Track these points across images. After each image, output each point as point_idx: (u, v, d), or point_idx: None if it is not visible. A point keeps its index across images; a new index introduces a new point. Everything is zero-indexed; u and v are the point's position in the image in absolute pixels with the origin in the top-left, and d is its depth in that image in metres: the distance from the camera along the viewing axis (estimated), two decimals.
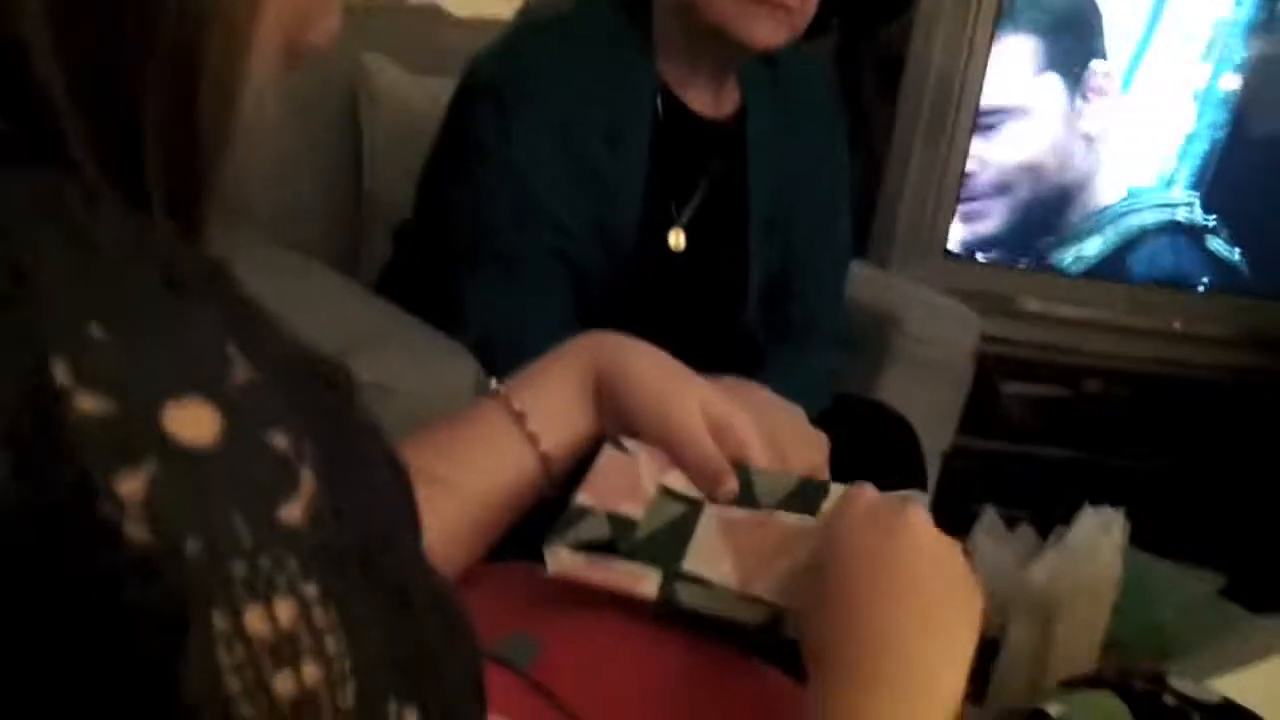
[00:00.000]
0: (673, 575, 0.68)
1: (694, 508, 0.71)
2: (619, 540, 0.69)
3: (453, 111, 1.38)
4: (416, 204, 1.45)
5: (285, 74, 0.38)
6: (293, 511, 0.30)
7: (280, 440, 0.31)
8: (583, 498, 0.70)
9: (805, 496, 0.71)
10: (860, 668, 0.57)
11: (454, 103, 1.37)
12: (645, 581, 0.67)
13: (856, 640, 0.58)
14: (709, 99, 1.40)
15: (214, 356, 0.31)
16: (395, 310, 1.36)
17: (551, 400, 0.73)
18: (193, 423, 0.29)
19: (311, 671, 0.30)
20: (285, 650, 0.30)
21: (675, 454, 0.72)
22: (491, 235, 1.30)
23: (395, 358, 1.23)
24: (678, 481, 0.72)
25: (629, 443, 0.73)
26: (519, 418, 0.72)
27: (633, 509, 0.70)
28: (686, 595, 0.67)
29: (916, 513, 0.61)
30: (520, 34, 1.37)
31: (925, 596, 0.58)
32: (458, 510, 0.69)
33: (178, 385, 0.29)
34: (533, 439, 0.72)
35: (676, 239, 1.38)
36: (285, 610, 0.30)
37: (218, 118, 0.35)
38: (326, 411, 0.34)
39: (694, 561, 0.68)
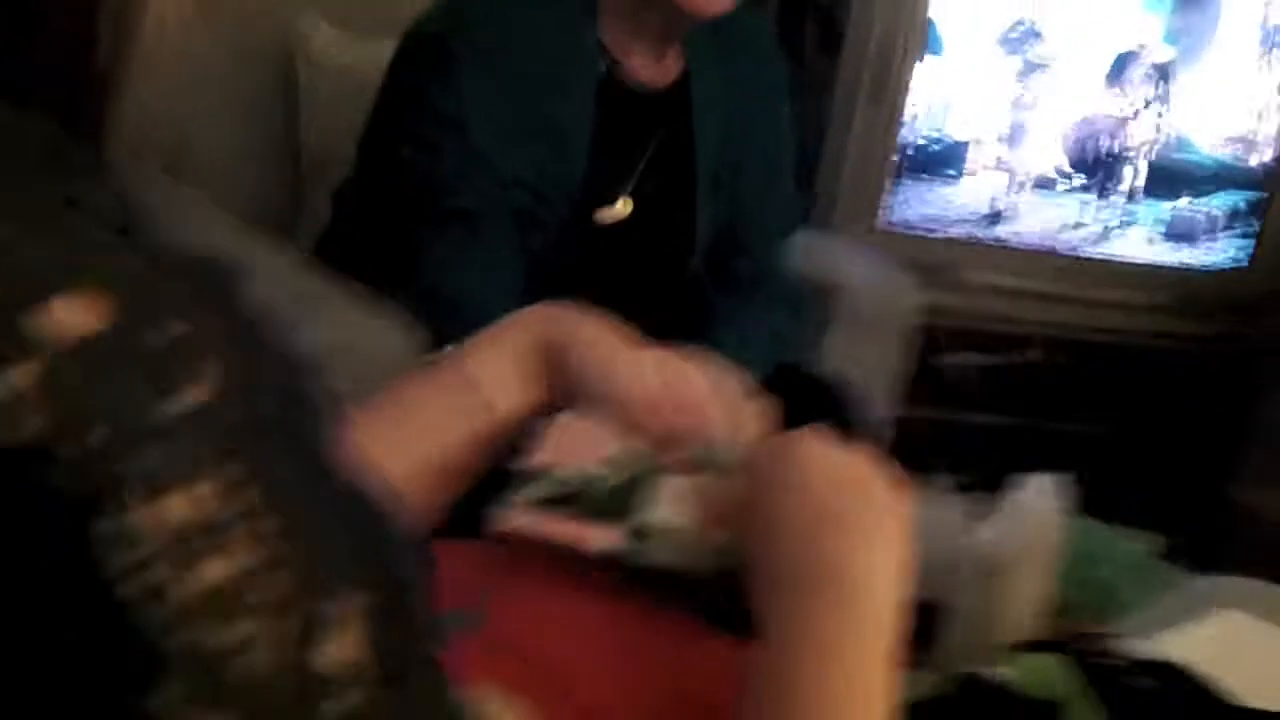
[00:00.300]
0: (636, 525, 0.68)
1: (656, 466, 0.71)
2: (584, 492, 0.69)
3: (395, 69, 1.35)
4: (358, 163, 1.42)
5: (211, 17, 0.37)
6: (199, 393, 0.30)
7: (177, 326, 0.30)
8: (542, 458, 0.70)
9: None
10: (771, 571, 0.59)
11: (397, 60, 1.35)
12: (606, 535, 0.67)
13: (763, 544, 0.60)
14: (652, 65, 1.39)
15: (102, 249, 0.31)
16: (328, 279, 1.34)
17: (502, 366, 0.73)
18: (83, 313, 0.29)
19: (243, 553, 0.29)
20: (211, 532, 0.29)
21: (630, 418, 0.71)
22: (439, 192, 1.29)
23: (329, 331, 1.20)
24: (636, 446, 0.72)
25: (583, 413, 0.72)
26: (469, 382, 0.71)
27: (594, 467, 0.70)
28: (650, 545, 0.67)
29: (813, 433, 0.63)
30: None
31: (819, 495, 0.59)
32: (406, 473, 0.68)
33: (65, 277, 0.29)
34: (483, 404, 0.71)
35: (623, 206, 1.37)
36: (206, 491, 0.29)
37: (116, 52, 0.34)
38: (220, 300, 0.33)
39: (657, 511, 0.68)
